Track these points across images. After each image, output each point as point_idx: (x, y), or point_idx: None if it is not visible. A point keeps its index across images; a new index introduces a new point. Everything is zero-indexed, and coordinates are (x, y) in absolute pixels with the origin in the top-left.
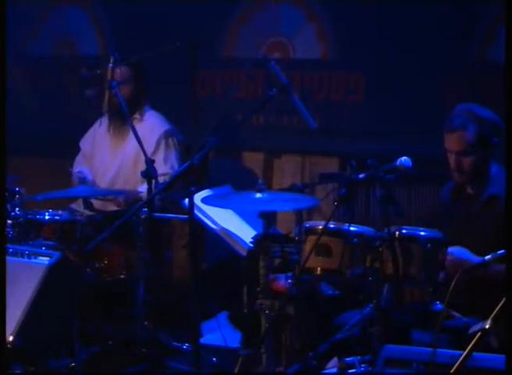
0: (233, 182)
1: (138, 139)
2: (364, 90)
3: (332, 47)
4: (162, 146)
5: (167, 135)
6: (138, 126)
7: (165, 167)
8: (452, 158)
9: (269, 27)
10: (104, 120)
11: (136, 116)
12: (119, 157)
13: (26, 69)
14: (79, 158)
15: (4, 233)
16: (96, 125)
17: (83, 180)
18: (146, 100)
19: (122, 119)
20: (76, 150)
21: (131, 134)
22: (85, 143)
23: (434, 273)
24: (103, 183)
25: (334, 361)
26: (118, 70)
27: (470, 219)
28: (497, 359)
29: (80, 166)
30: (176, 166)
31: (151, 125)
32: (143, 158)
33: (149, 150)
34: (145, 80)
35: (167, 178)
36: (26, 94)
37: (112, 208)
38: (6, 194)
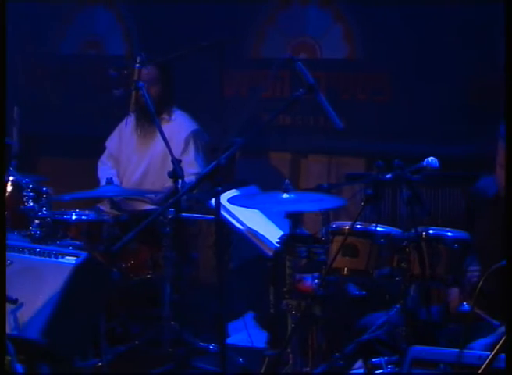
0: (260, 182)
1: (165, 139)
2: (391, 90)
3: (358, 47)
4: (191, 146)
5: (195, 135)
6: (166, 127)
7: (194, 167)
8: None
9: (296, 28)
10: (130, 120)
11: (164, 116)
12: (146, 157)
13: (54, 68)
14: (104, 157)
15: (4, 232)
16: (122, 125)
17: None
18: (174, 100)
19: (149, 119)
20: (103, 150)
21: (159, 134)
22: (111, 142)
23: (461, 273)
24: (130, 182)
25: (360, 362)
26: (145, 70)
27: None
28: None
29: (105, 169)
30: (203, 166)
31: (178, 125)
32: (168, 158)
33: (177, 150)
34: (172, 80)
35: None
36: (53, 93)
37: (139, 208)
38: (32, 194)
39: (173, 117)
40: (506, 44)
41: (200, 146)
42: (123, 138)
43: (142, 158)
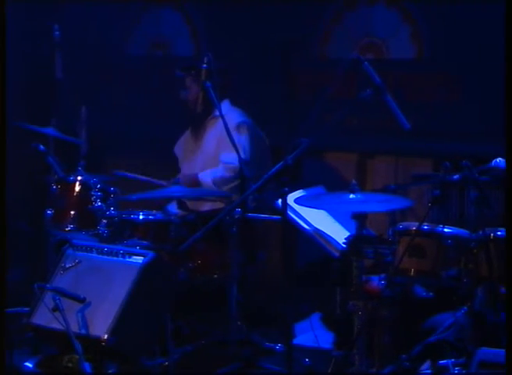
0: (326, 183)
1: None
2: (459, 89)
3: (426, 46)
4: (234, 136)
5: (238, 126)
6: (216, 125)
7: (228, 156)
8: None
9: (363, 28)
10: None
11: (216, 113)
12: (200, 157)
13: (120, 69)
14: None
15: (4, 232)
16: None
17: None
18: (226, 95)
19: (201, 118)
20: (169, 150)
21: (208, 133)
22: (177, 149)
23: None
24: None
25: (428, 363)
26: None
27: None
28: None
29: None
30: (243, 155)
31: (227, 121)
32: (220, 156)
33: (227, 146)
34: (228, 76)
35: (229, 167)
36: (120, 94)
37: (206, 208)
38: (100, 193)
39: (224, 112)
40: (506, 43)
41: (243, 133)
42: (185, 142)
43: (197, 158)
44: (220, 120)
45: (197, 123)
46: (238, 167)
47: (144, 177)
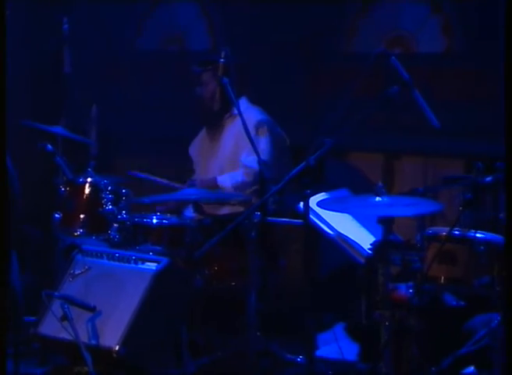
0: (351, 185)
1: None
2: (492, 85)
3: (457, 40)
4: (253, 135)
5: (257, 125)
6: (233, 123)
7: (247, 158)
8: None
9: (390, 20)
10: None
11: (233, 111)
12: (216, 158)
13: (131, 65)
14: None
15: (8, 234)
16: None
17: None
18: (243, 92)
19: (217, 117)
20: (184, 151)
21: (225, 133)
22: (192, 150)
23: None
24: None
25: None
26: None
27: None
28: None
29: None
30: (263, 156)
31: (244, 120)
32: (239, 156)
33: (246, 147)
34: (246, 71)
35: (250, 171)
36: (131, 91)
37: (224, 211)
38: (111, 196)
39: (242, 110)
40: (506, 43)
41: (263, 134)
42: (200, 142)
43: (214, 159)
44: (237, 119)
45: (213, 121)
46: (259, 171)
47: (158, 179)
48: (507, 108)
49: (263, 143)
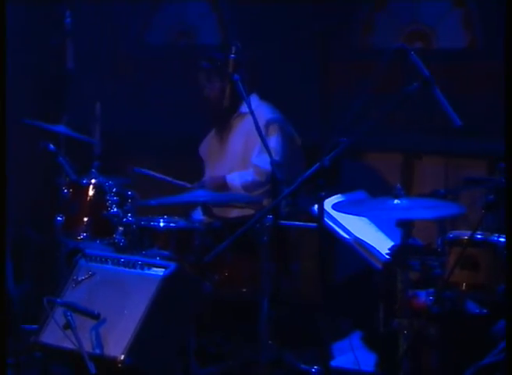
0: (368, 186)
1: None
2: None
3: (480, 34)
4: (271, 132)
5: (268, 124)
6: (242, 122)
7: (258, 157)
8: None
9: (409, 14)
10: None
11: (242, 110)
12: (226, 159)
13: (138, 60)
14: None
15: (4, 234)
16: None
17: None
18: (254, 88)
19: (227, 115)
20: (194, 151)
21: (234, 132)
22: (202, 149)
23: None
24: None
25: None
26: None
27: None
28: None
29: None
30: (275, 155)
31: (256, 118)
32: (249, 156)
33: (257, 146)
34: (257, 67)
35: (261, 171)
36: (137, 88)
37: (234, 214)
38: (116, 198)
39: (252, 108)
40: (506, 43)
41: (275, 132)
42: (210, 142)
43: (224, 159)
44: (246, 118)
45: (222, 120)
46: (270, 171)
47: (165, 177)
48: (507, 108)
49: (274, 142)
